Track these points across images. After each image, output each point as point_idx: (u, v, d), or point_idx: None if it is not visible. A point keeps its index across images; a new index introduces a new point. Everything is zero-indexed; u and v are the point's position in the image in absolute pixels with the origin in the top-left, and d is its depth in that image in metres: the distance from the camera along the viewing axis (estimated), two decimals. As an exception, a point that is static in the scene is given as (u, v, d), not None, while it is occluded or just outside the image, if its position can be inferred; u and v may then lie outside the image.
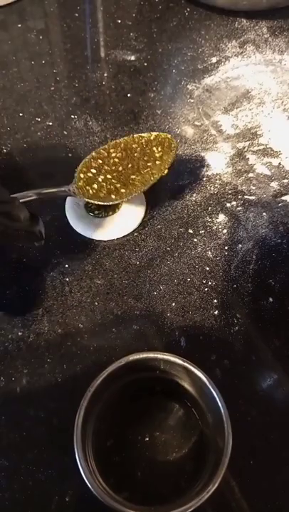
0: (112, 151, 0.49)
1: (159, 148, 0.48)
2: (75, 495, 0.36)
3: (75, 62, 0.67)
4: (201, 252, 0.48)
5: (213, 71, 0.64)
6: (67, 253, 0.48)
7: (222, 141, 0.57)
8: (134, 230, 0.49)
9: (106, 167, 0.48)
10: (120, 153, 0.49)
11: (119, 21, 0.72)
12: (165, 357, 0.34)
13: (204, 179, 0.53)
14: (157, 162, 0.48)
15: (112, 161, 0.48)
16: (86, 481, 0.31)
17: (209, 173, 0.54)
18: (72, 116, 0.59)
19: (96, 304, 0.45)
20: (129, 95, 0.62)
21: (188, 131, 0.58)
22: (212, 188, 0.53)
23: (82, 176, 0.47)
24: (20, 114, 0.60)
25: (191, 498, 0.30)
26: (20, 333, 0.43)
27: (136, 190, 0.47)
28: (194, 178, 0.54)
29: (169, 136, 0.49)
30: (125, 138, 0.50)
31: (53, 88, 0.63)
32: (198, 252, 0.48)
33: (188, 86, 0.63)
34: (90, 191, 0.46)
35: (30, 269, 0.47)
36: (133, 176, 0.47)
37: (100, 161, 0.48)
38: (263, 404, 0.40)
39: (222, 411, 0.31)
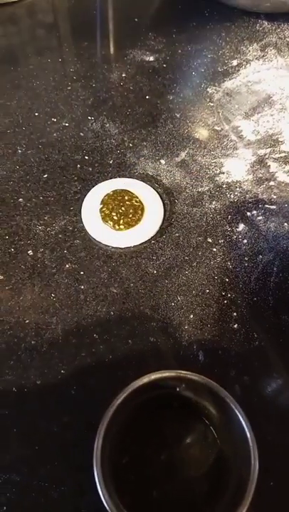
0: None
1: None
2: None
3: (92, 61, 0.65)
4: (220, 263, 0.46)
5: (233, 74, 0.63)
6: (83, 260, 0.46)
7: (242, 147, 0.55)
8: (151, 238, 0.48)
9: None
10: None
11: (138, 20, 0.70)
12: (188, 376, 0.32)
13: (224, 186, 0.52)
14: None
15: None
16: (104, 503, 0.29)
17: (229, 180, 0.52)
18: (89, 118, 0.58)
19: (112, 313, 0.43)
20: (147, 97, 0.60)
21: (208, 135, 0.56)
22: (232, 196, 0.51)
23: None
24: (36, 114, 0.58)
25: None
26: (33, 342, 0.41)
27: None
28: (214, 185, 0.52)
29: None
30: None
31: (69, 88, 0.61)
32: (217, 262, 0.46)
33: (208, 89, 0.61)
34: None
35: (44, 275, 0.45)
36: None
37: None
38: (283, 423, 0.38)
39: (248, 435, 0.30)
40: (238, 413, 0.31)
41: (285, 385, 0.40)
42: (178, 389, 0.35)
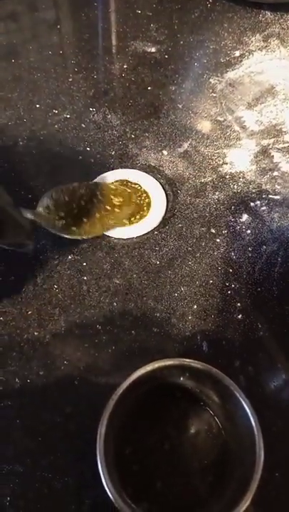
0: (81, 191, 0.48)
1: (119, 199, 0.48)
2: (93, 504, 0.34)
3: (94, 53, 0.65)
4: (224, 253, 0.46)
5: (236, 65, 0.62)
6: (85, 251, 0.46)
7: (246, 137, 0.55)
8: (154, 229, 0.47)
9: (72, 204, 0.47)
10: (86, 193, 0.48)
11: (139, 12, 0.70)
12: (192, 364, 0.32)
13: (227, 177, 0.51)
14: (116, 210, 0.48)
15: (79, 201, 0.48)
16: (108, 493, 0.29)
17: (232, 170, 0.52)
18: (91, 109, 0.58)
19: (115, 304, 0.43)
20: (149, 88, 0.60)
21: (211, 126, 0.56)
22: (235, 187, 0.51)
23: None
24: (37, 106, 0.58)
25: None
26: (36, 333, 0.41)
27: (95, 230, 0.46)
28: (217, 175, 0.52)
29: (128, 190, 0.49)
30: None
31: (70, 79, 0.61)
32: (220, 253, 0.46)
33: (210, 80, 0.61)
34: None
35: (46, 266, 0.45)
36: (94, 219, 0.47)
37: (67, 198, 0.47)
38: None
39: (253, 424, 0.30)
40: (242, 401, 0.31)
41: (290, 375, 0.40)
42: (181, 378, 0.34)
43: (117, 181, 0.50)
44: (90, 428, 0.31)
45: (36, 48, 0.65)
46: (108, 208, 0.48)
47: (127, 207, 0.48)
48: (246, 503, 0.28)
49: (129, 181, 0.50)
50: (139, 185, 0.50)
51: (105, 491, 0.29)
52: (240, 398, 0.31)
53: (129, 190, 0.50)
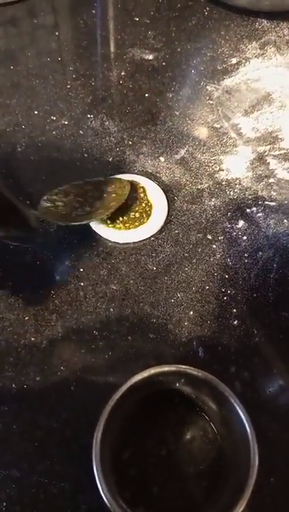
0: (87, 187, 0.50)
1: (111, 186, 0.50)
2: (89, 509, 0.35)
3: (92, 60, 0.65)
4: (220, 259, 0.46)
5: (233, 72, 0.63)
6: (82, 257, 0.46)
7: (242, 144, 0.55)
8: (151, 235, 0.48)
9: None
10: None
11: (137, 19, 0.70)
12: (188, 371, 0.32)
13: (223, 183, 0.52)
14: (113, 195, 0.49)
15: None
16: (104, 498, 0.29)
17: (229, 177, 0.52)
18: (89, 116, 0.58)
19: (111, 310, 0.43)
20: (146, 95, 0.60)
21: (207, 133, 0.56)
22: (231, 193, 0.51)
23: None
24: (35, 112, 0.58)
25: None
26: (33, 339, 0.41)
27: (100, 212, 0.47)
28: (213, 182, 0.52)
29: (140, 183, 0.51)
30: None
31: (68, 86, 0.61)
32: (217, 259, 0.46)
33: (207, 87, 0.61)
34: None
35: (43, 272, 0.45)
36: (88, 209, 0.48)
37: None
38: (284, 419, 0.38)
39: (247, 429, 0.30)
40: (237, 407, 0.31)
41: (286, 381, 0.40)
42: (177, 384, 0.35)
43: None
44: (86, 433, 0.32)
45: (35, 54, 0.65)
46: (103, 194, 0.49)
47: (121, 189, 0.49)
48: (241, 507, 0.28)
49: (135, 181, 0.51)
50: (144, 191, 0.50)
51: (101, 496, 0.29)
52: (235, 404, 0.31)
53: (141, 184, 0.51)
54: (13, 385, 0.39)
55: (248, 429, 0.30)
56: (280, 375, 0.40)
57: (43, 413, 0.38)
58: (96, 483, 0.30)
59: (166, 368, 0.32)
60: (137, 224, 0.48)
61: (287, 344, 0.42)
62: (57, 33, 0.69)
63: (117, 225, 0.48)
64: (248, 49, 0.66)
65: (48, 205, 0.47)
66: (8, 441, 0.37)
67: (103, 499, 0.29)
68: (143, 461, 0.36)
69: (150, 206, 0.49)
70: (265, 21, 0.69)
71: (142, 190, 0.50)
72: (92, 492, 0.30)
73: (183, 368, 0.32)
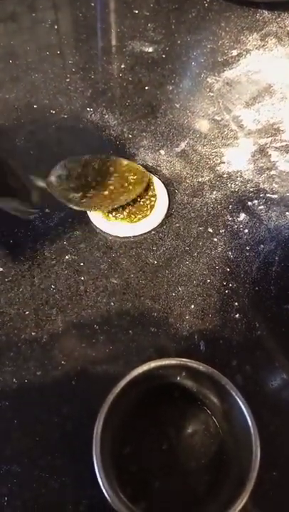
0: (94, 164, 0.50)
1: (133, 176, 0.49)
2: (90, 504, 0.34)
3: (91, 53, 0.65)
4: (221, 252, 0.46)
5: (233, 64, 0.62)
6: (82, 251, 0.46)
7: (243, 136, 0.55)
8: (152, 228, 0.47)
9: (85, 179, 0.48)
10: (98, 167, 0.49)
11: (137, 11, 0.70)
12: (189, 364, 0.32)
13: (224, 176, 0.51)
14: (130, 187, 0.48)
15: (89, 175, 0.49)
16: (105, 493, 0.29)
17: (230, 169, 0.52)
18: (88, 109, 0.58)
19: (112, 304, 0.43)
20: (146, 88, 0.60)
21: (208, 125, 0.56)
22: (233, 186, 0.51)
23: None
24: (35, 106, 0.58)
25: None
26: (33, 334, 0.41)
27: (105, 204, 0.47)
28: (214, 174, 0.52)
29: (141, 168, 0.50)
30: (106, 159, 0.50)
31: (68, 80, 0.61)
32: (218, 252, 0.46)
33: (208, 79, 0.60)
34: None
35: (43, 266, 0.45)
36: (106, 192, 0.48)
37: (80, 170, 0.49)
38: (286, 412, 0.38)
39: (249, 423, 0.30)
40: (239, 400, 0.31)
41: (287, 375, 0.40)
42: (178, 378, 0.34)
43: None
44: (87, 428, 0.31)
45: (34, 49, 0.65)
46: (124, 184, 0.48)
47: (140, 184, 0.48)
48: (243, 501, 0.28)
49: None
50: (152, 183, 0.50)
51: (102, 490, 0.29)
52: (237, 398, 0.31)
53: (142, 169, 0.50)
54: (14, 380, 0.39)
55: (249, 422, 0.30)
56: (282, 369, 0.40)
57: (44, 408, 0.38)
58: (97, 478, 0.30)
59: (166, 362, 0.32)
60: (140, 217, 0.47)
61: (290, 337, 0.41)
62: (56, 27, 0.68)
63: (120, 217, 0.47)
64: (249, 40, 0.65)
65: (61, 173, 0.46)
66: (9, 437, 0.37)
67: (104, 494, 0.29)
68: (144, 456, 0.36)
69: (155, 199, 0.49)
70: (266, 12, 0.68)
71: (150, 182, 0.50)
72: (93, 487, 0.29)
73: (184, 361, 0.32)
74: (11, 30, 0.68)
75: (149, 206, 0.48)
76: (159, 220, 0.48)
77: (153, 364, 0.32)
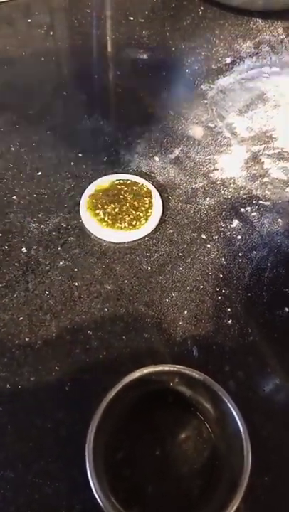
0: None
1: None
2: (83, 509, 0.35)
3: (86, 59, 0.65)
4: (214, 259, 0.46)
5: (227, 72, 0.63)
6: (77, 257, 0.46)
7: (236, 143, 0.55)
8: (145, 235, 0.48)
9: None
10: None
11: (132, 18, 0.70)
12: (182, 370, 0.32)
13: (218, 183, 0.52)
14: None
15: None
16: (97, 498, 0.29)
17: (223, 176, 0.52)
18: (84, 115, 0.58)
19: (106, 310, 0.43)
20: (141, 95, 0.60)
21: (202, 132, 0.56)
22: (226, 193, 0.51)
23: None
24: (30, 112, 0.58)
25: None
26: (27, 339, 0.41)
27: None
28: (207, 181, 0.52)
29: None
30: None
31: (62, 85, 0.61)
32: (211, 259, 0.46)
33: (201, 86, 0.61)
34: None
35: (38, 272, 0.45)
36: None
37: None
38: (278, 418, 0.38)
39: (240, 428, 0.30)
40: (230, 407, 0.31)
41: (280, 380, 0.40)
42: (171, 384, 0.35)
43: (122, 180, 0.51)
44: (81, 433, 0.32)
45: (29, 54, 0.65)
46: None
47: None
48: (235, 506, 0.28)
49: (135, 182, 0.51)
50: (149, 194, 0.50)
51: (95, 496, 0.29)
52: (229, 404, 0.31)
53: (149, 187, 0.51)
54: (8, 386, 0.39)
55: (241, 428, 0.30)
56: (274, 374, 0.40)
57: (38, 413, 0.38)
58: (89, 483, 0.30)
59: (160, 368, 0.32)
60: (135, 224, 0.48)
61: (282, 343, 0.42)
62: (51, 33, 0.68)
63: (117, 225, 0.47)
64: (243, 48, 0.66)
65: None
66: (3, 442, 0.37)
67: (96, 500, 0.29)
68: (137, 461, 0.36)
69: (151, 208, 0.49)
70: (259, 21, 0.69)
71: (148, 192, 0.50)
72: (86, 492, 0.30)
73: (177, 367, 0.32)
74: (6, 35, 0.68)
75: (145, 214, 0.48)
76: (153, 226, 0.48)
77: (146, 370, 0.32)
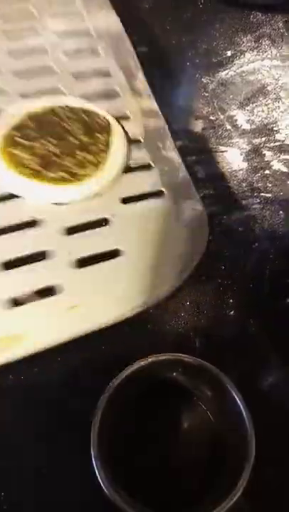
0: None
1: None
2: (86, 497, 0.35)
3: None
4: (216, 250, 0.46)
5: (228, 65, 0.63)
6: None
7: (237, 136, 0.55)
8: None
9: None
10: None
11: (133, 10, 0.70)
12: (185, 359, 0.32)
13: (219, 175, 0.52)
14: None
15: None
16: (102, 484, 0.29)
17: (224, 169, 0.52)
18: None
19: (108, 301, 0.43)
20: (141, 87, 0.60)
21: (203, 125, 0.56)
22: (227, 185, 0.51)
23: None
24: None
25: (211, 503, 0.29)
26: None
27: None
28: (209, 174, 0.52)
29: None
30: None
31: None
32: (214, 251, 0.46)
33: (202, 79, 0.61)
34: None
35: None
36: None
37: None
38: (281, 409, 0.39)
39: (244, 417, 0.30)
40: (234, 395, 0.31)
41: (281, 371, 0.40)
42: (174, 373, 0.35)
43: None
44: (84, 420, 0.32)
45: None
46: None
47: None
48: (237, 494, 0.28)
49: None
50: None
51: (99, 484, 0.30)
52: (233, 392, 0.31)
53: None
54: (10, 377, 0.39)
55: (245, 417, 0.30)
56: (275, 365, 0.41)
57: (43, 402, 0.38)
58: (94, 471, 0.30)
59: (163, 357, 0.32)
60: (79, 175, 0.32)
61: (283, 334, 0.42)
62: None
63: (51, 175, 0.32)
64: (243, 42, 0.66)
65: None
66: (7, 429, 0.37)
67: (101, 487, 0.30)
68: (140, 448, 0.36)
69: (107, 150, 0.35)
70: (259, 14, 0.69)
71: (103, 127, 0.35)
72: (89, 478, 0.30)
73: (180, 356, 0.33)
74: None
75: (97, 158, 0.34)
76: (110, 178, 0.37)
77: (151, 359, 0.32)
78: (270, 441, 0.37)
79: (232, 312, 0.43)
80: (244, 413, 0.31)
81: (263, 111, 0.57)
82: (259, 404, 0.37)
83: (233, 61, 0.63)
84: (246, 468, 0.29)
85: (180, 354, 0.33)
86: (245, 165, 0.53)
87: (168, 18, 0.68)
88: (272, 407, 0.39)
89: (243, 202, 0.50)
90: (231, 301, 0.43)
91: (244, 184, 0.51)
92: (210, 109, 0.58)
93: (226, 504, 0.28)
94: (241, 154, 0.54)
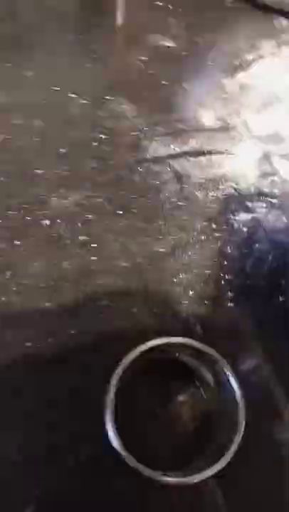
0: None
1: None
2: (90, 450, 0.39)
3: (113, 41, 0.67)
4: (220, 247, 0.50)
5: (248, 68, 0.66)
6: (95, 233, 0.50)
7: (250, 140, 0.59)
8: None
9: None
10: None
11: (160, 3, 0.72)
12: (188, 342, 0.37)
13: (229, 177, 0.56)
14: None
15: None
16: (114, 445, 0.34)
17: (235, 171, 0.56)
18: (108, 97, 0.60)
19: (119, 284, 0.47)
20: (163, 82, 0.63)
21: (218, 126, 0.59)
22: (236, 187, 0.55)
23: None
24: (57, 89, 0.60)
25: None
26: (47, 304, 0.45)
27: None
28: (219, 174, 0.56)
29: None
30: None
31: (88, 65, 0.63)
32: (218, 247, 0.50)
33: (222, 80, 0.64)
34: None
35: (58, 245, 0.48)
36: None
37: None
38: (270, 391, 0.43)
39: (238, 397, 0.35)
40: (230, 376, 0.36)
41: (277, 360, 0.45)
42: (178, 354, 0.39)
43: None
44: (96, 391, 0.36)
45: (52, 33, 0.66)
46: None
47: None
48: (225, 461, 0.33)
49: None
50: None
51: (101, 443, 0.34)
52: (228, 373, 0.36)
53: None
54: (28, 344, 0.43)
55: (238, 397, 0.35)
56: (270, 356, 0.45)
57: (56, 376, 0.42)
58: (98, 432, 0.34)
59: (172, 340, 0.37)
60: None
61: (278, 327, 0.47)
62: (75, 12, 0.69)
63: None
64: (264, 47, 0.68)
65: None
66: (22, 395, 0.40)
67: (101, 448, 0.34)
68: (140, 417, 0.40)
69: None
70: (284, 21, 0.71)
71: None
72: (93, 442, 0.34)
73: (186, 340, 0.37)
74: (31, 12, 0.69)
75: None
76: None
77: (159, 341, 0.36)
78: (259, 420, 0.41)
79: (230, 304, 0.47)
80: (237, 394, 0.35)
81: (277, 118, 0.61)
82: (251, 386, 0.42)
83: (253, 65, 0.66)
84: (234, 442, 0.34)
85: (187, 338, 0.37)
86: (254, 169, 0.56)
87: (195, 15, 0.70)
88: (264, 390, 0.43)
89: (250, 205, 0.54)
90: (230, 294, 0.48)
91: (252, 188, 0.55)
92: (226, 111, 0.61)
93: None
94: (252, 158, 0.57)
